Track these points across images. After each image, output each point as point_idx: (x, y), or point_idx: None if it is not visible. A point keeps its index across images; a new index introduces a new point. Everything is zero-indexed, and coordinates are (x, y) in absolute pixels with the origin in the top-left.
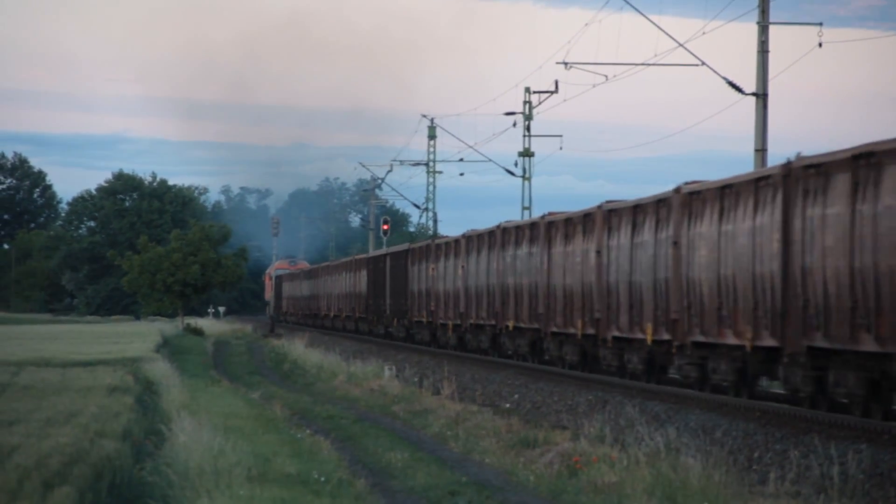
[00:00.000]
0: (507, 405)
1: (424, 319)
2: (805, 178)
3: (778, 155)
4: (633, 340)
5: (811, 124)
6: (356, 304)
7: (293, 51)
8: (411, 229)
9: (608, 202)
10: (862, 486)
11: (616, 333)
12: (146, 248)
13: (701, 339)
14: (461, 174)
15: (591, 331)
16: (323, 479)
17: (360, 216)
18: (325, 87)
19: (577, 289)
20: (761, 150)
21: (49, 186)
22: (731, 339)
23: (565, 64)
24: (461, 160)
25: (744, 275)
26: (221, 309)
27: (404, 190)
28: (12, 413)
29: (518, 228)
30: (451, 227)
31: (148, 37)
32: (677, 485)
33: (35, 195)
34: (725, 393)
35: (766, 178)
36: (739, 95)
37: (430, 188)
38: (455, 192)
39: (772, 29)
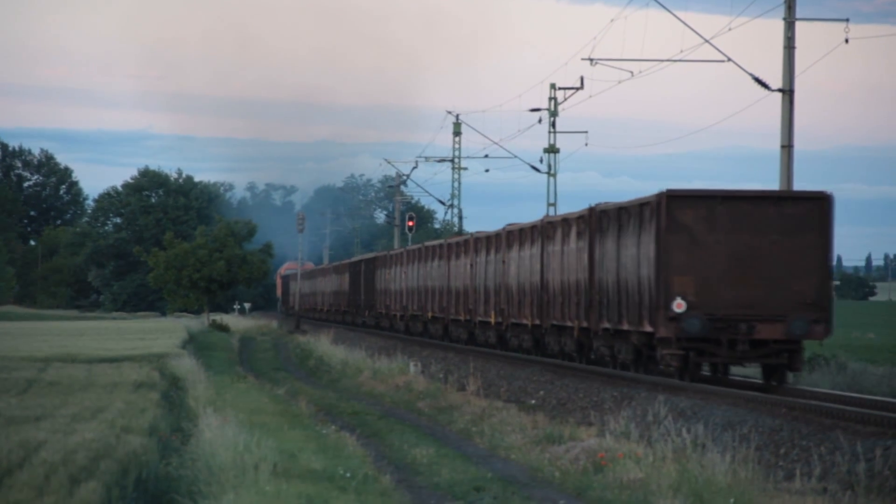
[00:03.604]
0: (533, 401)
1: (384, 311)
2: (547, 229)
3: (804, 151)
4: (487, 323)
5: (838, 120)
6: (341, 300)
7: (317, 47)
8: (436, 226)
9: (477, 232)
10: (888, 482)
11: (480, 318)
12: (172, 244)
13: (513, 321)
14: (486, 170)
15: (468, 317)
16: (348, 474)
17: (385, 212)
18: (349, 83)
19: (461, 289)
20: (788, 147)
21: (75, 183)
22: (524, 321)
23: (591, 60)
24: (486, 156)
25: (528, 283)
26: (247, 305)
27: (429, 186)
28: (39, 409)
29: (432, 247)
30: (476, 223)
31: (173, 33)
32: (703, 481)
33: (61, 192)
34: (528, 352)
35: (534, 228)
36: (766, 91)
37: (456, 184)
38: (480, 188)
39: (798, 25)
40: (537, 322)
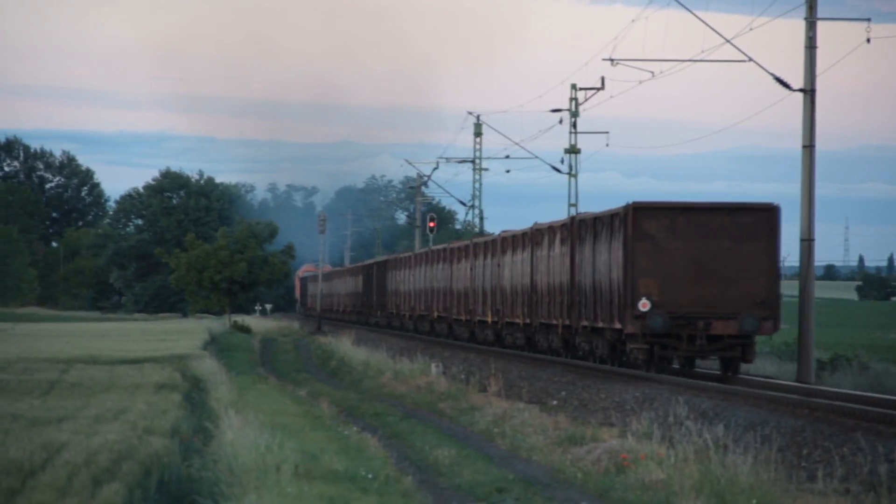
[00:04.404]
0: (554, 402)
1: (395, 311)
2: (536, 236)
3: (826, 150)
4: (485, 322)
5: (859, 119)
6: (355, 300)
7: (337, 46)
8: (457, 226)
9: (476, 236)
10: None
11: (479, 318)
12: (193, 245)
13: (507, 319)
14: (507, 171)
15: (469, 317)
16: (370, 475)
17: (406, 213)
18: (369, 84)
19: (462, 291)
20: (809, 147)
21: (97, 184)
22: (517, 320)
23: (612, 60)
24: (507, 157)
25: (520, 285)
26: (268, 306)
27: (450, 187)
28: (61, 410)
29: (437, 251)
30: (497, 223)
31: (192, 35)
32: (725, 482)
33: (83, 193)
34: (522, 349)
35: (525, 234)
36: (787, 91)
37: (476, 185)
38: (501, 188)
39: (819, 25)
40: (528, 321)
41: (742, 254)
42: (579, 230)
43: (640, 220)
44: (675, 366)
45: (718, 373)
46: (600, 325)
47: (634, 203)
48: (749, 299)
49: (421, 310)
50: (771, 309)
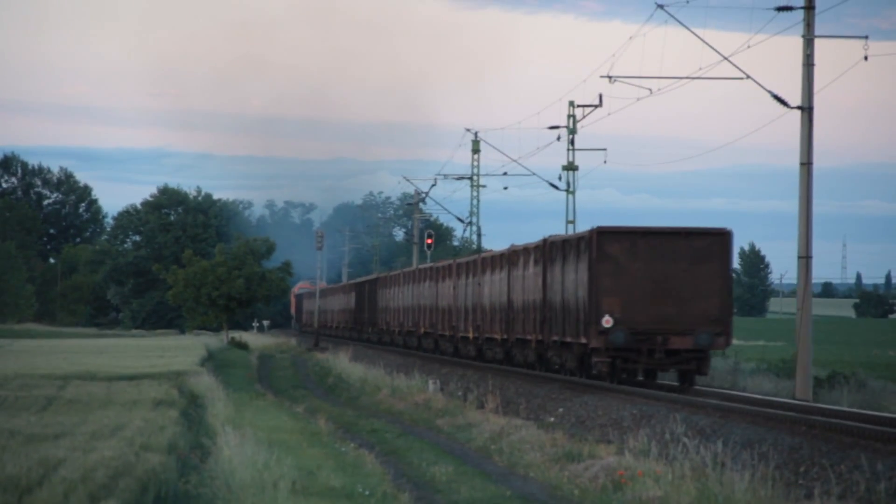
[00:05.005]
0: (552, 419)
1: (385, 327)
2: (513, 256)
3: (823, 167)
4: (467, 338)
5: (857, 136)
6: (349, 317)
7: (332, 63)
8: (455, 243)
9: (459, 257)
10: None
11: (461, 334)
12: (191, 261)
13: (487, 335)
14: (505, 188)
15: (452, 333)
16: (367, 492)
17: (404, 230)
18: (367, 100)
19: (447, 308)
20: (807, 164)
21: (95, 201)
22: (495, 335)
23: (609, 77)
24: (505, 174)
25: (498, 302)
26: (266, 322)
27: (448, 204)
28: (58, 426)
29: (424, 270)
30: (495, 240)
31: (190, 52)
32: (723, 499)
33: (81, 210)
34: (500, 363)
35: (503, 255)
36: (785, 109)
37: (474, 202)
38: (499, 205)
39: (817, 42)
40: (505, 336)
41: (697, 275)
42: (550, 252)
43: (603, 243)
44: (640, 377)
45: (677, 384)
46: (569, 340)
47: (598, 228)
48: (704, 317)
49: (409, 326)
50: (724, 325)
